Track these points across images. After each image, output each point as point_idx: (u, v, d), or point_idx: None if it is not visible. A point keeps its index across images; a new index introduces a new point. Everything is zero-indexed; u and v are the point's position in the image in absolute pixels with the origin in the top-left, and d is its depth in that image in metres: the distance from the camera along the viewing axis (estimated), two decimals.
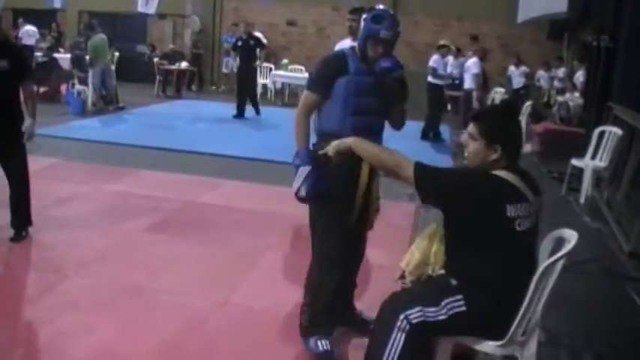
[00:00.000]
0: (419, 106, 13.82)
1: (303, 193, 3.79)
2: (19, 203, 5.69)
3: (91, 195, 7.15)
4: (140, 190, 7.38)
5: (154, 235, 6.02)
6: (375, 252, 5.87)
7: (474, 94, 12.75)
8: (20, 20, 19.33)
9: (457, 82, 14.01)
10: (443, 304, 2.87)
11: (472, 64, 12.87)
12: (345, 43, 7.20)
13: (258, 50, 14.58)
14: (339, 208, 3.85)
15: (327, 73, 3.86)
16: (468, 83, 12.88)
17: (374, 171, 3.79)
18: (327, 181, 3.75)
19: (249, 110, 14.04)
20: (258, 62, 15.19)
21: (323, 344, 3.88)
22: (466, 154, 3.04)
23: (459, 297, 2.88)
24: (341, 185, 3.80)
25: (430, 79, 12.59)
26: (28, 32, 18.39)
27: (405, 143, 10.18)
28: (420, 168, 3.00)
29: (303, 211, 6.90)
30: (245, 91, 13.97)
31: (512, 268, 2.89)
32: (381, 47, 3.71)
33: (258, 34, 17.96)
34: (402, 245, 5.74)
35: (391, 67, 3.66)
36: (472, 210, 2.87)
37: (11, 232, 5.65)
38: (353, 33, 7.03)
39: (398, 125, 4.11)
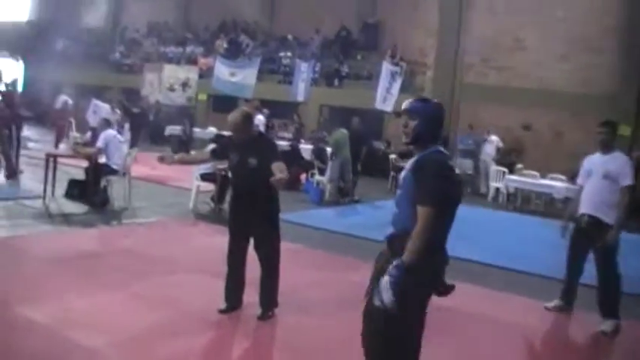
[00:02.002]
0: None
1: None
2: (268, 284, 6.04)
3: (331, 283, 7.42)
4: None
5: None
6: None
7: None
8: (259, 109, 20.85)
9: None
10: None
11: None
12: (594, 157, 7.03)
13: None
14: None
15: None
16: None
17: None
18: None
19: None
20: None
21: None
22: None
23: None
24: None
25: None
26: (259, 121, 19.72)
27: None
28: None
29: (539, 324, 6.75)
30: None
31: None
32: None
33: (494, 137, 18.00)
34: None
35: None
36: None
37: (259, 311, 5.99)
38: (605, 146, 6.86)
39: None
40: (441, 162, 3.70)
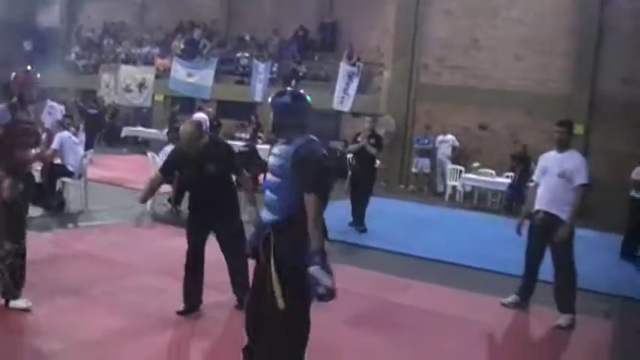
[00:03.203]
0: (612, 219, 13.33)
1: None
2: (239, 276, 6.16)
3: None
4: (338, 284, 7.53)
5: (350, 328, 6.13)
6: None
7: None
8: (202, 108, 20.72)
9: None
10: None
11: None
12: (549, 155, 7.19)
13: (375, 151, 11.67)
14: None
15: None
16: None
17: None
18: None
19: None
20: (377, 163, 12.39)
21: None
22: None
23: None
24: None
25: (634, 193, 11.31)
26: (202, 119, 19.55)
27: (599, 258, 9.94)
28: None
29: (496, 319, 6.88)
30: (357, 196, 11.52)
31: None
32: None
33: (450, 136, 18.19)
34: None
35: None
36: None
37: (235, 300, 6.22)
38: (562, 145, 7.02)
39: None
40: (320, 153, 4.09)
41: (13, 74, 5.93)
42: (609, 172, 15.03)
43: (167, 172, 6.34)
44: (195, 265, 6.09)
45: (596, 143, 16.50)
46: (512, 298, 7.36)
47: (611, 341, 6.65)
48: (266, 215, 4.16)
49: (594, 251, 10.40)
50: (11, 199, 5.47)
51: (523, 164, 15.76)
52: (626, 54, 16.77)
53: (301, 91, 4.33)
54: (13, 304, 5.64)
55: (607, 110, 16.79)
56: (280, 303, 3.93)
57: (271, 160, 4.20)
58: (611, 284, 8.77)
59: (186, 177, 6.15)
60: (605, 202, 13.95)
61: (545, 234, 6.92)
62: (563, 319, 6.77)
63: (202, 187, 6.01)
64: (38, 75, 6.17)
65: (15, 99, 5.79)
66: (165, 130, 20.58)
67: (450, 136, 18.25)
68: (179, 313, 6.00)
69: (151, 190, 6.45)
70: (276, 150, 4.18)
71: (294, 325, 4.04)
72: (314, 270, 3.78)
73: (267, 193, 4.17)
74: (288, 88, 4.30)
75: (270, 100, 4.23)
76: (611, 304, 7.92)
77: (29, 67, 6.26)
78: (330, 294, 3.81)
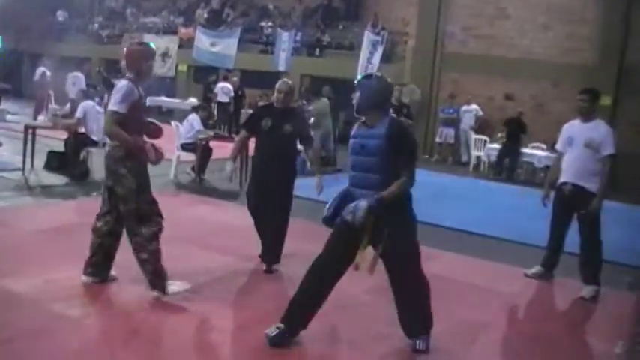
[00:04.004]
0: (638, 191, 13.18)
1: None
2: (274, 241, 6.42)
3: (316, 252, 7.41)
4: None
5: (374, 296, 6.11)
6: (590, 337, 5.84)
7: None
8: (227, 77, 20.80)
9: None
10: None
11: None
12: (574, 125, 7.05)
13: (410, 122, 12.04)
14: None
15: None
16: None
17: None
18: None
19: None
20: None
21: None
22: None
23: None
24: None
25: None
26: (223, 90, 19.55)
27: (624, 230, 9.81)
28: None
29: (520, 290, 6.83)
30: None
31: None
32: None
33: (474, 106, 18.01)
34: (617, 332, 5.51)
35: None
36: None
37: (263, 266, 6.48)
38: (583, 114, 6.89)
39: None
40: (412, 131, 4.64)
41: (125, 48, 5.61)
42: (636, 144, 14.83)
43: (250, 127, 6.58)
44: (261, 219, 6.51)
45: (623, 115, 16.24)
46: (535, 269, 7.30)
47: (634, 313, 6.59)
48: (363, 193, 4.45)
49: (619, 223, 10.27)
50: (159, 161, 5.56)
51: (509, 130, 16.12)
52: None
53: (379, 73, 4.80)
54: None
55: (636, 81, 16.43)
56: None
57: (359, 141, 4.55)
58: (635, 256, 8.65)
59: (263, 131, 6.34)
60: (630, 174, 13.77)
61: (572, 206, 6.84)
62: (587, 291, 6.71)
63: (273, 144, 6.27)
64: (153, 46, 5.78)
65: (131, 74, 5.38)
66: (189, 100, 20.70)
67: (474, 106, 18.08)
68: None
69: (240, 148, 6.72)
70: (361, 132, 4.56)
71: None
72: (362, 204, 4.27)
73: (363, 174, 4.52)
74: (375, 72, 4.87)
75: (356, 81, 4.58)
76: (635, 276, 7.83)
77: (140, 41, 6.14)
78: (351, 227, 4.32)
